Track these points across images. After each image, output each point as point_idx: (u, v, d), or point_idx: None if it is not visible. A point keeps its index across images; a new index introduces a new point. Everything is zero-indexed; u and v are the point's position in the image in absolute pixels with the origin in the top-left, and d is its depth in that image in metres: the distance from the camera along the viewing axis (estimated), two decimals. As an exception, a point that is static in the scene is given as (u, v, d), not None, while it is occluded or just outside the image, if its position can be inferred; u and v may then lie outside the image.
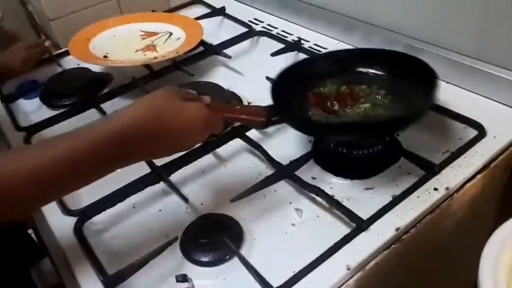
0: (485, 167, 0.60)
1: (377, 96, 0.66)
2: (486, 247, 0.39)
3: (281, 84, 0.65)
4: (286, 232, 0.57)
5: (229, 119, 0.59)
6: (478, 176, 0.59)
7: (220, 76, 0.88)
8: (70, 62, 0.98)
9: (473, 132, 0.64)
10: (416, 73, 0.62)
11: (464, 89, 0.71)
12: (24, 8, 1.49)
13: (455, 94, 0.71)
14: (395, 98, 0.65)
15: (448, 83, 0.73)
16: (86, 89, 0.88)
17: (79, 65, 0.96)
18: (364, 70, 0.70)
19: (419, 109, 0.59)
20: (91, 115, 0.81)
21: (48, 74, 0.94)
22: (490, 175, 0.61)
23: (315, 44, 0.91)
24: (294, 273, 0.49)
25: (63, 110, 0.83)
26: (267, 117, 0.57)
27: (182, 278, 0.52)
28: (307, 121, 0.62)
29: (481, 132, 0.63)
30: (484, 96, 0.69)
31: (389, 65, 0.68)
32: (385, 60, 0.68)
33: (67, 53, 1.00)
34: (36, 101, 0.90)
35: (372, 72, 0.70)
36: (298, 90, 0.68)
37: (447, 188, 0.56)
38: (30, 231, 0.87)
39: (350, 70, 0.70)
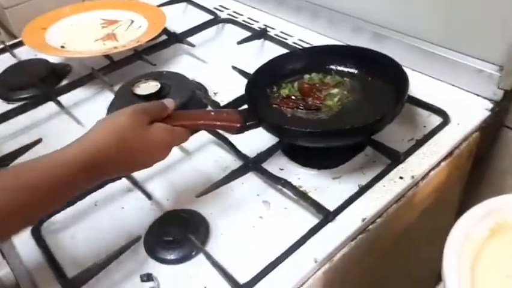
0: (449, 154, 0.60)
1: (344, 92, 0.66)
2: (450, 235, 0.39)
3: (254, 85, 0.64)
4: (253, 226, 0.56)
5: (202, 126, 0.58)
6: (442, 164, 0.60)
7: (184, 65, 0.86)
8: (26, 53, 0.93)
9: (437, 120, 0.64)
10: (388, 72, 0.63)
11: (429, 76, 0.72)
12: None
13: (420, 81, 0.71)
14: (366, 96, 0.65)
15: (413, 70, 0.73)
16: (44, 81, 0.84)
17: (35, 55, 0.91)
18: (335, 67, 0.70)
19: (392, 111, 0.58)
20: (49, 108, 0.78)
21: (3, 65, 0.89)
22: (454, 162, 0.62)
23: (281, 32, 0.89)
24: (260, 269, 0.48)
25: (20, 103, 0.79)
26: (243, 122, 0.56)
27: (147, 277, 0.51)
28: (284, 130, 0.59)
29: (445, 120, 0.63)
30: (448, 83, 0.70)
31: (362, 63, 0.68)
32: (358, 57, 0.69)
33: (22, 43, 0.95)
34: (-10, 94, 0.85)
35: (345, 70, 0.70)
36: (271, 89, 0.68)
37: (412, 177, 0.56)
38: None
39: (323, 67, 0.70)
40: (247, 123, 0.56)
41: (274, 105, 0.66)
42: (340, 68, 0.70)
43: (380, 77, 0.66)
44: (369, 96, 0.65)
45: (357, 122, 0.56)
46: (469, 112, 0.65)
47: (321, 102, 0.64)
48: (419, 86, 0.69)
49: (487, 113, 0.64)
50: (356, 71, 0.69)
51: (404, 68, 0.62)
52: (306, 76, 0.69)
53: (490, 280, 0.38)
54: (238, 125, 0.55)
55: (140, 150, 0.48)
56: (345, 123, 0.60)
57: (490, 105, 0.65)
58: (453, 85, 0.69)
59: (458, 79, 0.68)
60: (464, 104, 0.66)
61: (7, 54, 0.94)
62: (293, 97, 0.66)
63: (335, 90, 0.66)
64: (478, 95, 0.66)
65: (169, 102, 0.53)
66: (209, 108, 0.73)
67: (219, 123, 0.56)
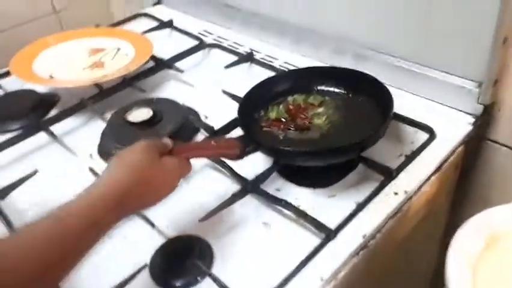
0: (438, 168, 0.63)
1: (329, 111, 0.69)
2: (450, 250, 0.41)
3: (245, 110, 0.66)
4: (256, 248, 0.57)
5: (205, 156, 0.61)
6: (432, 178, 0.63)
7: (173, 91, 0.87)
8: (12, 84, 0.92)
9: (424, 135, 0.67)
10: (369, 88, 0.66)
11: (412, 93, 0.75)
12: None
13: (403, 98, 0.74)
14: (350, 113, 0.68)
15: (396, 88, 0.76)
16: (33, 111, 0.84)
17: (22, 86, 0.91)
18: (316, 87, 0.73)
19: (382, 127, 0.61)
20: (40, 139, 0.77)
21: (-12, 97, 0.89)
22: (443, 175, 0.65)
23: (267, 55, 0.92)
24: (266, 289, 0.49)
25: (9, 135, 0.78)
26: (241, 149, 0.58)
27: (156, 305, 0.51)
28: (281, 151, 0.62)
29: (431, 135, 0.67)
30: (431, 100, 0.73)
31: (342, 82, 0.71)
32: (338, 77, 0.72)
33: (7, 74, 0.94)
34: (-24, 127, 0.84)
35: (326, 89, 0.73)
36: (259, 113, 0.70)
37: (405, 192, 0.59)
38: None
39: (305, 88, 0.73)
40: (247, 150, 0.58)
41: (265, 129, 0.68)
42: (321, 88, 0.73)
43: (360, 93, 0.69)
44: (353, 113, 0.68)
45: (350, 139, 0.59)
46: (452, 127, 0.68)
47: (309, 122, 0.67)
48: (403, 103, 0.72)
49: (470, 127, 0.68)
50: (336, 90, 0.72)
51: (387, 86, 0.66)
52: (290, 98, 0.72)
53: (490, 288, 0.40)
54: (239, 152, 0.57)
55: (158, 182, 0.50)
56: (337, 140, 0.63)
57: (472, 120, 0.69)
58: (435, 101, 0.72)
59: (440, 96, 0.71)
60: (448, 119, 0.69)
61: (-8, 86, 0.93)
62: (282, 119, 0.69)
63: (321, 109, 0.69)
64: (460, 110, 0.70)
65: (167, 140, 0.55)
66: (202, 131, 0.75)
67: (221, 151, 0.58)
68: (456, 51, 0.68)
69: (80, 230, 0.43)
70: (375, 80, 0.66)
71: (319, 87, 0.73)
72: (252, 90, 0.71)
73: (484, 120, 0.69)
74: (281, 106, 0.70)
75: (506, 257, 0.43)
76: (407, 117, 0.70)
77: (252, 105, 0.70)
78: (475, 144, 0.71)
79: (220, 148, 0.59)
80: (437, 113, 0.71)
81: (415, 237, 0.67)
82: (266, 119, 0.69)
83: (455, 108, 0.71)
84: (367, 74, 0.68)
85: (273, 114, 0.70)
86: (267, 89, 0.73)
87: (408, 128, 0.69)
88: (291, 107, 0.69)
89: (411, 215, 0.61)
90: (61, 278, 0.43)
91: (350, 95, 0.71)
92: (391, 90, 0.65)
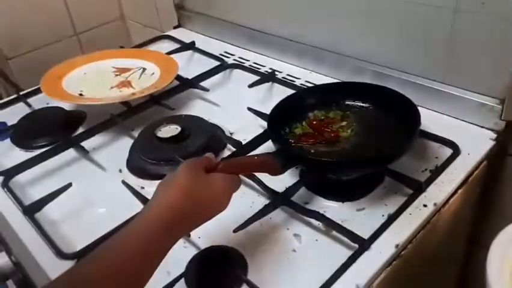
0: (464, 182, 0.65)
1: (353, 124, 0.71)
2: (490, 252, 0.42)
3: (275, 126, 0.68)
4: (288, 258, 0.58)
5: (250, 172, 0.63)
6: (459, 191, 0.64)
7: (199, 109, 0.90)
8: (39, 101, 0.95)
9: (448, 151, 0.69)
10: (397, 106, 0.68)
11: (434, 111, 0.77)
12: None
13: (426, 116, 0.75)
14: (373, 126, 0.70)
15: (419, 106, 0.78)
16: (60, 128, 0.86)
17: (48, 104, 0.94)
18: (344, 102, 0.75)
19: (406, 144, 0.63)
20: (71, 154, 0.79)
21: (18, 114, 0.91)
22: (468, 189, 0.66)
23: (288, 75, 0.95)
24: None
25: (38, 151, 0.81)
26: (282, 164, 0.59)
27: (194, 314, 0.52)
28: (322, 163, 0.63)
29: (456, 150, 0.68)
30: (453, 117, 0.75)
31: (375, 99, 0.73)
32: (371, 93, 0.74)
33: (34, 92, 0.98)
34: (6, 142, 0.86)
35: (358, 105, 0.75)
36: (284, 130, 0.72)
37: (435, 204, 0.60)
38: None
39: (327, 102, 0.75)
40: (286, 164, 0.59)
41: (293, 144, 0.70)
42: (342, 102, 0.75)
43: (382, 107, 0.72)
44: (376, 126, 0.70)
45: (381, 149, 0.61)
46: (476, 143, 0.70)
47: (336, 134, 0.69)
48: (427, 120, 0.74)
49: (492, 143, 0.70)
50: (357, 104, 0.74)
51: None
52: (310, 114, 0.74)
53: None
54: (281, 167, 0.59)
55: (208, 199, 0.50)
56: (368, 150, 0.65)
57: (494, 135, 0.70)
58: (458, 118, 0.74)
59: (463, 112, 0.73)
60: (471, 135, 0.71)
61: (21, 104, 0.96)
62: (308, 134, 0.70)
63: (344, 123, 0.71)
64: (482, 127, 0.72)
65: (211, 155, 0.55)
66: (229, 146, 0.77)
67: (264, 167, 0.59)
68: (478, 70, 0.70)
69: (140, 254, 0.44)
70: (398, 93, 0.69)
71: (339, 102, 0.75)
72: (276, 108, 0.72)
73: (507, 136, 0.71)
74: (304, 122, 0.72)
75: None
76: (430, 133, 0.72)
77: (278, 122, 0.72)
78: (498, 159, 0.73)
79: (264, 164, 0.59)
80: (460, 129, 0.73)
81: (442, 247, 0.68)
82: (293, 136, 0.71)
83: (478, 125, 0.72)
84: (390, 88, 0.71)
85: (298, 130, 0.71)
86: (289, 106, 0.74)
87: (432, 143, 0.71)
88: (314, 122, 0.71)
89: (440, 227, 0.62)
90: None
91: (371, 109, 0.73)
92: None
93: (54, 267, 0.58)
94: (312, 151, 0.67)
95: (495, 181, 0.76)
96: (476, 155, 0.68)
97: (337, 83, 0.85)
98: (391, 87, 0.75)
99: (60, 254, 0.59)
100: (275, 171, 0.59)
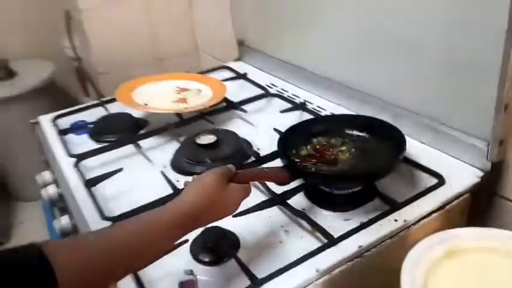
0: (440, 208, 0.74)
1: (352, 149, 0.83)
2: (410, 253, 0.52)
3: (284, 147, 0.82)
4: (274, 247, 0.71)
5: (260, 180, 0.79)
6: (434, 215, 0.73)
7: (236, 126, 1.07)
8: (114, 107, 1.18)
9: (434, 181, 0.78)
10: (389, 136, 0.81)
11: (432, 147, 0.87)
12: (78, 62, 1.75)
13: (424, 151, 0.86)
14: (368, 152, 0.83)
15: (421, 142, 0.89)
16: (127, 129, 1.08)
17: (121, 110, 1.16)
18: (350, 131, 0.88)
19: (390, 165, 0.76)
20: (128, 149, 1.00)
21: (96, 115, 1.15)
22: (447, 216, 0.75)
23: (317, 106, 1.09)
24: (274, 271, 0.63)
25: (106, 144, 1.02)
26: (288, 176, 0.74)
27: (189, 272, 0.67)
28: (320, 175, 0.78)
29: (440, 181, 0.78)
30: (447, 153, 0.84)
31: (369, 129, 0.86)
32: (366, 124, 0.87)
33: (111, 100, 1.21)
34: (84, 136, 1.09)
35: (356, 135, 0.88)
36: (291, 151, 0.85)
37: (405, 220, 0.70)
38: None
39: (338, 131, 0.88)
40: (292, 177, 0.75)
41: (299, 164, 0.83)
42: (342, 132, 0.88)
43: (377, 136, 0.84)
44: (372, 152, 0.82)
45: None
46: (462, 177, 0.78)
47: (335, 157, 0.81)
48: (423, 154, 0.85)
49: (477, 180, 0.78)
50: (356, 133, 0.87)
51: (410, 139, 0.79)
52: (314, 140, 0.87)
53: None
54: (287, 179, 0.74)
55: (222, 205, 0.62)
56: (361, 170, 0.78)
57: (481, 174, 0.79)
58: (451, 155, 0.84)
59: (455, 150, 0.82)
60: (459, 171, 0.80)
61: (100, 108, 1.20)
62: (311, 155, 0.84)
63: (344, 148, 0.83)
64: (471, 165, 0.80)
65: (232, 166, 0.69)
66: (252, 158, 0.92)
67: (273, 178, 0.75)
68: (469, 115, 0.80)
69: (162, 230, 0.56)
70: (392, 125, 0.81)
71: (340, 131, 0.88)
72: (286, 132, 0.87)
73: (493, 176, 0.79)
74: (309, 146, 0.86)
75: (462, 270, 0.53)
76: (422, 165, 0.82)
77: (287, 144, 0.85)
78: (485, 197, 0.80)
79: (273, 175, 0.75)
80: (451, 164, 0.82)
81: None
82: (298, 156, 0.84)
83: (467, 163, 0.81)
84: (384, 121, 0.83)
85: (303, 152, 0.85)
86: (299, 131, 0.88)
87: (422, 174, 0.81)
88: (317, 146, 0.85)
89: (408, 242, 0.71)
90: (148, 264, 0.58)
91: (368, 137, 0.85)
92: (412, 141, 0.78)
93: (99, 227, 0.76)
94: (313, 170, 0.80)
95: (485, 219, 0.83)
96: (458, 187, 0.77)
97: (339, 114, 0.99)
98: (403, 124, 0.87)
99: (104, 217, 0.77)
100: (283, 182, 0.75)
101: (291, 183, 0.76)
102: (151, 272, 0.67)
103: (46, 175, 1.02)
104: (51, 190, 0.97)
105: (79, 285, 0.48)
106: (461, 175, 0.79)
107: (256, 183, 0.83)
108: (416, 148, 0.87)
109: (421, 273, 0.51)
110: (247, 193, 0.67)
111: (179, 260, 0.69)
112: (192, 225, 0.60)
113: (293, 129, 0.88)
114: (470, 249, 0.54)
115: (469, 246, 0.54)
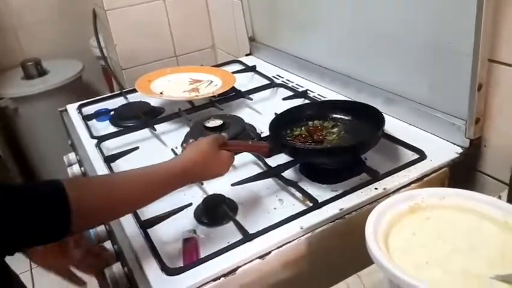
0: (419, 179, 0.81)
1: (341, 132, 0.92)
2: (377, 206, 0.60)
3: (276, 127, 0.92)
4: (268, 212, 0.80)
5: (246, 151, 0.90)
6: (413, 185, 0.81)
7: (243, 112, 1.16)
8: (134, 97, 1.30)
9: (416, 156, 0.86)
10: (371, 116, 0.89)
11: (417, 127, 0.95)
12: (104, 59, 1.88)
13: (410, 131, 0.94)
14: (354, 133, 0.92)
15: (408, 124, 0.96)
16: (144, 115, 1.19)
17: (140, 100, 1.28)
18: (331, 115, 0.98)
19: (372, 139, 0.84)
20: (145, 133, 1.11)
21: (118, 103, 1.27)
22: (425, 186, 0.82)
23: (318, 94, 1.17)
24: (263, 228, 0.72)
25: (124, 128, 1.13)
26: (270, 149, 0.84)
27: (192, 231, 0.77)
28: (296, 149, 0.88)
29: (422, 156, 0.85)
30: (429, 132, 0.92)
31: (351, 111, 0.96)
32: (350, 108, 0.96)
33: (132, 91, 1.33)
34: (106, 122, 1.21)
35: (338, 117, 0.97)
36: (285, 131, 0.95)
37: (384, 188, 0.78)
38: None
39: (322, 116, 0.98)
40: (274, 149, 0.84)
41: (289, 142, 0.92)
42: (335, 116, 0.97)
43: (363, 119, 0.92)
44: (358, 133, 0.91)
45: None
46: (442, 153, 0.86)
47: (323, 137, 0.90)
48: (408, 133, 0.92)
49: (456, 155, 0.85)
50: (345, 117, 0.96)
51: (398, 121, 0.88)
52: (310, 122, 0.96)
53: (400, 238, 0.58)
54: (268, 150, 0.84)
55: (214, 165, 0.74)
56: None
57: (460, 150, 0.86)
58: (433, 134, 0.91)
59: (438, 129, 0.90)
60: (440, 147, 0.87)
61: (121, 98, 1.32)
62: (303, 135, 0.93)
63: (334, 130, 0.92)
64: (451, 142, 0.87)
65: (225, 135, 0.81)
66: (254, 139, 1.02)
67: (256, 148, 0.86)
68: (449, 97, 0.87)
69: (160, 181, 0.69)
70: (373, 107, 0.90)
71: (333, 115, 0.97)
72: (283, 114, 0.97)
73: (472, 153, 0.86)
74: (303, 128, 0.95)
75: (423, 223, 0.60)
76: (406, 142, 0.89)
77: (281, 124, 0.94)
78: (464, 171, 0.87)
79: (256, 146, 0.86)
80: (433, 142, 0.89)
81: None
82: (291, 135, 0.93)
83: (448, 141, 0.88)
84: (368, 105, 0.91)
85: (296, 133, 0.94)
86: (294, 114, 0.97)
87: (406, 150, 0.89)
88: (311, 128, 0.93)
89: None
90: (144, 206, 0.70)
91: (356, 121, 0.94)
92: (399, 123, 0.88)
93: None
94: (297, 146, 0.89)
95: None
96: (437, 162, 0.84)
97: (333, 100, 1.10)
98: (393, 107, 0.96)
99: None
100: (265, 153, 0.84)
101: (277, 156, 0.86)
102: (160, 230, 0.77)
103: (71, 156, 1.14)
104: (75, 168, 1.09)
105: (86, 214, 0.60)
106: (441, 151, 0.86)
107: (256, 159, 0.93)
108: (402, 128, 0.94)
109: (386, 221, 0.58)
110: (232, 160, 0.77)
111: (184, 221, 0.79)
112: (187, 176, 0.71)
113: (289, 112, 0.97)
114: (433, 206, 0.62)
115: (432, 203, 0.62)
